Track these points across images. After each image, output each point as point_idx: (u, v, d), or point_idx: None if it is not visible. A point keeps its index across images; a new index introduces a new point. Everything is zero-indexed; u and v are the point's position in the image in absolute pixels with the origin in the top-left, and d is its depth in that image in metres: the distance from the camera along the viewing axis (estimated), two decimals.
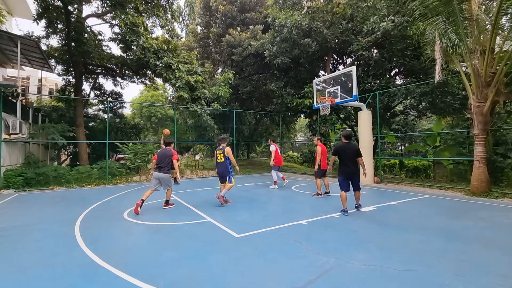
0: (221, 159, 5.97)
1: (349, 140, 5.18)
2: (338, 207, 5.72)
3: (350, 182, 5.10)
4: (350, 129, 5.39)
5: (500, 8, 6.12)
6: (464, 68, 7.71)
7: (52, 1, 10.56)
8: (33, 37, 11.25)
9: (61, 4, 10.21)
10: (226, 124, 16.91)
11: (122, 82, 15.65)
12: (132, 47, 11.02)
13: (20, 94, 11.81)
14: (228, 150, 5.96)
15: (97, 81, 15.48)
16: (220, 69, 18.69)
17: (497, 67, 6.72)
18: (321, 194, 6.73)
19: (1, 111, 8.54)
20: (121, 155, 15.38)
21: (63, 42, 12.03)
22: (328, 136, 13.64)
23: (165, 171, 5.58)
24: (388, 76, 11.65)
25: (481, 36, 6.97)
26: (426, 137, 12.96)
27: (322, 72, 14.16)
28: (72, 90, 13.61)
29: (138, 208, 5.17)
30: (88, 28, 12.47)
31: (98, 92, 15.93)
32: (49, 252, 3.36)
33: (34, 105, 12.80)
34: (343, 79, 9.82)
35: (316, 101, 10.40)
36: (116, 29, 12.49)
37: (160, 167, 5.56)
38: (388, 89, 10.53)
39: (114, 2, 10.59)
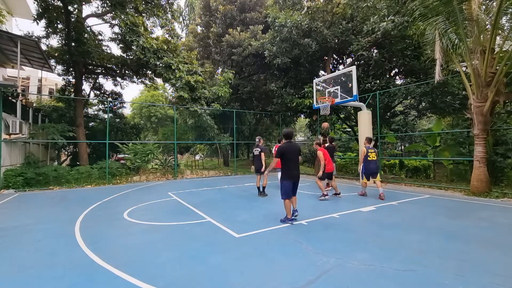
0: (374, 157, 6.72)
1: (290, 139, 4.59)
2: (339, 207, 5.74)
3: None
4: (291, 128, 4.87)
5: (500, 8, 6.12)
6: (464, 68, 7.70)
7: (52, 1, 10.56)
8: (33, 37, 11.24)
9: (61, 4, 10.21)
10: (226, 124, 16.90)
11: (122, 82, 15.66)
12: (132, 47, 11.03)
13: (20, 94, 11.81)
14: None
15: (97, 81, 15.48)
16: (220, 69, 18.67)
17: (497, 67, 6.72)
18: (327, 195, 6.58)
19: (1, 111, 8.55)
20: (121, 155, 15.39)
21: (63, 42, 12.02)
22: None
23: None
24: (388, 76, 11.63)
25: (481, 36, 6.97)
26: (426, 137, 12.93)
27: (322, 72, 14.15)
28: (72, 90, 13.60)
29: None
30: (88, 28, 12.46)
31: (98, 92, 15.93)
32: (49, 252, 3.36)
33: (34, 105, 12.79)
34: (343, 79, 9.82)
35: (316, 101, 10.39)
36: (116, 29, 12.52)
37: None
38: (388, 89, 10.52)
39: (114, 2, 10.59)
